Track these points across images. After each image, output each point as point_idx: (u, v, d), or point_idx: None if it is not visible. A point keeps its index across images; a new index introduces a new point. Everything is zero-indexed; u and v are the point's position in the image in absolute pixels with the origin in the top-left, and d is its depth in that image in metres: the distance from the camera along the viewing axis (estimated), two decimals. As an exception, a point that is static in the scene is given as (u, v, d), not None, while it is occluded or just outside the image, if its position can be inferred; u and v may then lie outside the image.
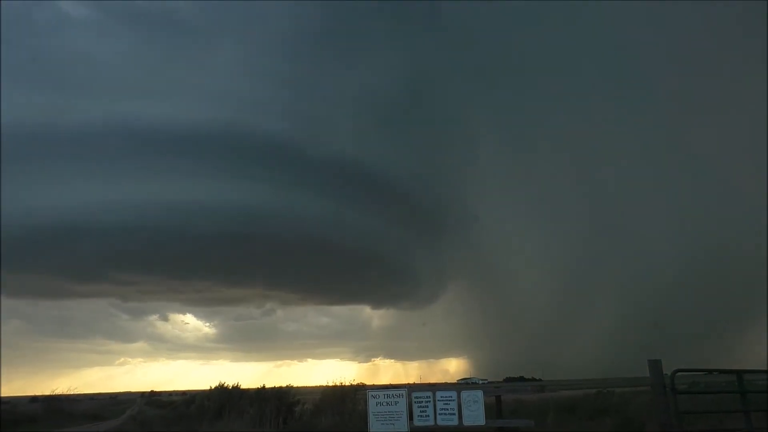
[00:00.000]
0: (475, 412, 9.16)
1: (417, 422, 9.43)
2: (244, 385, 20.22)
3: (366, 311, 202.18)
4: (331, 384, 18.65)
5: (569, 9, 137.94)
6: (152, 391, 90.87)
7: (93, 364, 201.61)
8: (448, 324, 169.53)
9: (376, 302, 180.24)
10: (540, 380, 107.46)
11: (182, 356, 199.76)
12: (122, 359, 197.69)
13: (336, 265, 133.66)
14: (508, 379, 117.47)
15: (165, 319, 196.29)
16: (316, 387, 22.21)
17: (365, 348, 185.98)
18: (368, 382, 20.27)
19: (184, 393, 57.21)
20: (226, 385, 20.27)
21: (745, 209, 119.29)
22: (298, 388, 20.08)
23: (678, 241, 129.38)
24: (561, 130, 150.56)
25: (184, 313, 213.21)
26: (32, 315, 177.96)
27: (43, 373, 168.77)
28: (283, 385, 19.51)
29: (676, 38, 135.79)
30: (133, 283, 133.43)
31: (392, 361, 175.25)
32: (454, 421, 9.23)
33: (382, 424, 9.49)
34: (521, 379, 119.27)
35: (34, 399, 44.94)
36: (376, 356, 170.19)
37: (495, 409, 9.70)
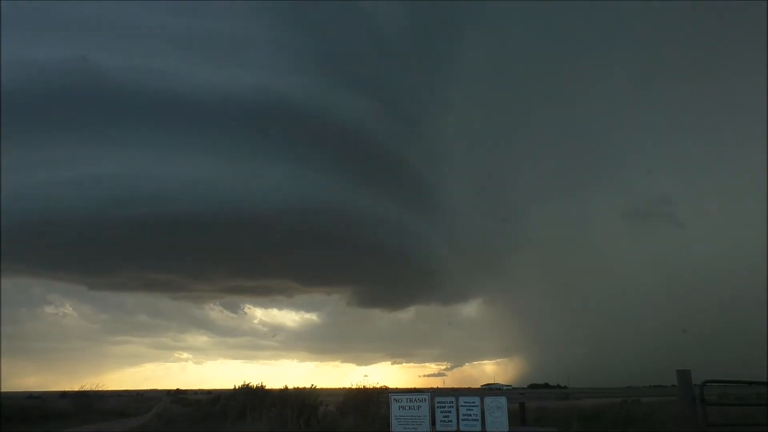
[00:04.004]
0: (498, 418, 9.08)
1: (439, 427, 9.39)
2: (278, 385, 20.49)
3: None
4: (354, 386, 18.69)
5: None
6: (178, 390, 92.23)
7: (158, 359, 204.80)
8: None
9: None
10: (565, 387, 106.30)
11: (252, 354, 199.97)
12: (177, 353, 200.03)
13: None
14: (533, 386, 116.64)
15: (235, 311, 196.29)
16: (340, 389, 22.28)
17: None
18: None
19: (209, 392, 57.87)
20: (250, 384, 20.46)
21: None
22: (322, 389, 20.18)
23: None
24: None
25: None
26: (123, 307, 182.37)
27: (106, 366, 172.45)
28: (307, 386, 19.64)
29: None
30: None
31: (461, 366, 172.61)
32: (477, 427, 9.17)
33: (404, 427, 9.48)
34: (546, 386, 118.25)
35: (63, 395, 45.91)
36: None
37: (518, 416, 9.62)
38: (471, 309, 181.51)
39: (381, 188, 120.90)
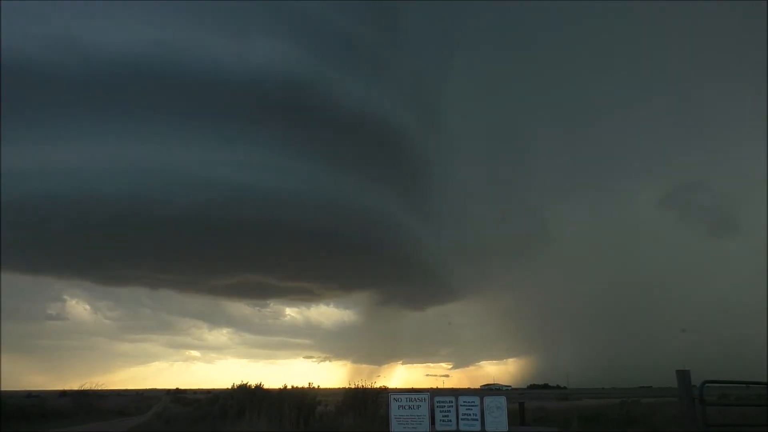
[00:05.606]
0: (497, 418, 9.08)
1: (439, 427, 9.37)
2: (279, 385, 20.53)
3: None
4: (353, 386, 18.63)
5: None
6: (177, 389, 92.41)
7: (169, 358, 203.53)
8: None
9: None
10: (565, 388, 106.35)
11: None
12: (187, 352, 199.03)
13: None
14: (533, 387, 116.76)
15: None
16: (339, 388, 22.30)
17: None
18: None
19: (208, 391, 57.96)
20: (248, 384, 20.44)
21: None
22: (323, 389, 20.18)
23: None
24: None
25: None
26: (145, 304, 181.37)
27: (115, 365, 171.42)
28: (305, 385, 19.64)
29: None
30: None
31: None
32: (477, 427, 9.16)
33: (403, 427, 9.46)
34: (545, 386, 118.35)
35: (63, 393, 45.94)
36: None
37: (518, 415, 9.61)
38: (480, 310, 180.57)
39: (390, 188, 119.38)
